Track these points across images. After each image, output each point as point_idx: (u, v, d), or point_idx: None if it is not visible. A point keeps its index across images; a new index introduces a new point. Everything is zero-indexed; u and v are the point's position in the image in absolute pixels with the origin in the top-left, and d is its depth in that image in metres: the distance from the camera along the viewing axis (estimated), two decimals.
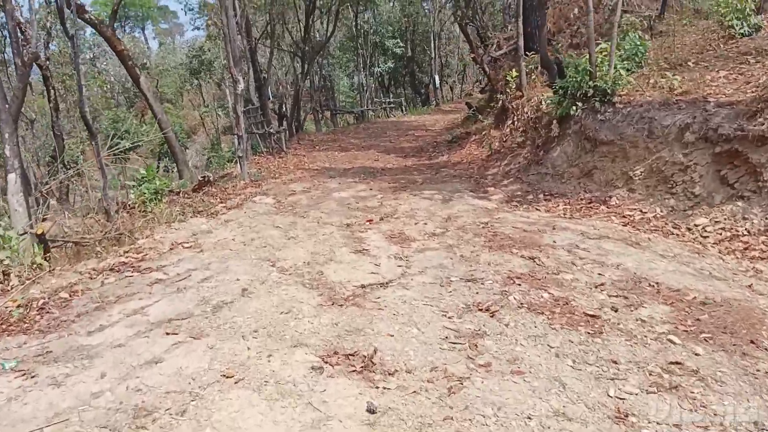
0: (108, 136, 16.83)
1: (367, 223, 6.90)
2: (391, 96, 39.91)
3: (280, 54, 31.72)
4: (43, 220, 7.45)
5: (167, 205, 8.17)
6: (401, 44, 35.65)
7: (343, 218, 7.15)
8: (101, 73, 46.67)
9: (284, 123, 21.16)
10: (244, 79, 11.28)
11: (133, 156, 33.30)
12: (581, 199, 7.52)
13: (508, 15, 28.74)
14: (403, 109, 29.92)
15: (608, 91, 7.92)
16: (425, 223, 6.76)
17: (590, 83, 8.06)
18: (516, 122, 11.02)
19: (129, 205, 8.48)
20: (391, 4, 34.92)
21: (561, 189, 7.95)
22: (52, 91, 15.89)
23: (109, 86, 46.98)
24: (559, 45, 15.82)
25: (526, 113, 10.79)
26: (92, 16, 13.29)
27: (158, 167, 27.50)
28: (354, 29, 30.53)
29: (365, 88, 30.08)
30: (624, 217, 6.78)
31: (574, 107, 8.14)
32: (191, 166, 37.00)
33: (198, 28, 41.83)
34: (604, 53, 8.80)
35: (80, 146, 21.25)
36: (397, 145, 15.28)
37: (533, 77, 11.76)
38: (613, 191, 7.40)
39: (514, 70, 11.51)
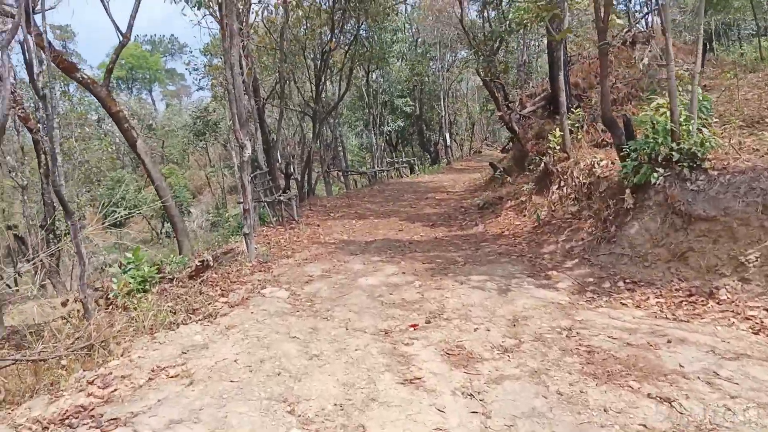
0: (102, 204, 15.51)
1: (411, 328, 5.29)
2: (401, 155, 39.01)
3: (287, 114, 30.98)
4: None
5: (156, 299, 6.61)
6: (411, 103, 35.02)
7: (377, 320, 5.56)
8: (107, 135, 46.25)
9: (291, 185, 19.90)
10: (251, 141, 9.95)
11: (135, 219, 32.12)
12: (676, 290, 5.93)
13: (523, 72, 28.02)
14: (416, 168, 28.77)
15: (697, 154, 6.47)
16: (487, 329, 5.15)
17: (673, 145, 6.63)
18: (564, 188, 9.56)
19: (110, 299, 6.93)
20: (399, 63, 34.48)
21: (646, 275, 6.36)
22: (42, 156, 14.69)
23: (114, 147, 46.47)
24: (594, 102, 14.62)
25: (577, 178, 9.35)
26: (84, 75, 12.18)
27: (161, 231, 26.08)
28: (363, 88, 29.83)
29: (375, 148, 29.06)
30: (747, 318, 5.17)
31: (654, 174, 6.67)
32: (196, 226, 35.87)
33: (201, 89, 41.46)
34: (663, 111, 7.47)
35: (80, 211, 19.94)
36: (420, 211, 13.82)
37: (579, 136, 10.40)
38: (719, 280, 5.81)
39: (557, 129, 10.16)
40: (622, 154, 7.44)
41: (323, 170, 19.81)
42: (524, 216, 10.18)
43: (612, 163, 9.14)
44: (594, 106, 14.32)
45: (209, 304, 6.26)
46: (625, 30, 18.82)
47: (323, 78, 16.33)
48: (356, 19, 15.97)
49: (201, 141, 22.89)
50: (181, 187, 42.60)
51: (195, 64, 22.82)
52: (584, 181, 9.16)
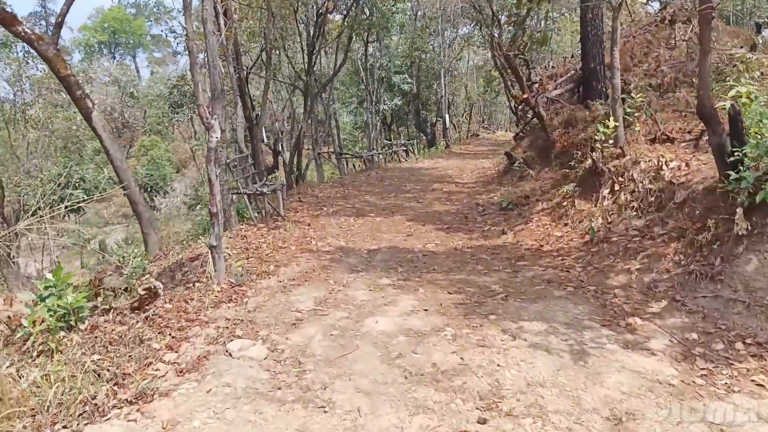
0: (58, 185, 13.31)
1: None
2: (396, 135, 36.84)
3: (276, 86, 28.58)
4: None
5: (78, 348, 4.56)
6: (409, 80, 32.75)
7: (402, 412, 3.58)
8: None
9: (279, 167, 17.71)
10: (221, 121, 7.84)
11: (102, 204, 29.57)
12: None
13: (536, 50, 25.83)
14: (414, 152, 26.66)
15: None
16: None
17: None
18: (622, 193, 7.58)
19: (18, 340, 4.86)
20: (398, 37, 32.10)
21: None
22: None
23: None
24: (632, 86, 12.60)
25: (640, 182, 7.37)
26: (27, 30, 9.89)
27: (151, 204, 23.69)
28: (360, 62, 27.49)
29: (371, 127, 26.86)
30: None
31: None
32: (180, 202, 33.50)
33: (180, 53, 38.96)
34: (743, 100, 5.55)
35: (40, 189, 17.63)
36: (428, 207, 11.79)
37: (636, 128, 8.39)
38: None
39: (611, 119, 8.13)
40: (730, 159, 5.45)
41: (315, 152, 17.64)
42: (566, 225, 8.20)
43: (686, 165, 7.18)
44: (637, 90, 12.36)
45: (148, 364, 4.22)
46: (660, 7, 16.74)
47: (317, 46, 14.08)
48: None
49: (177, 113, 20.52)
50: (164, 161, 40.12)
51: (173, 27, 20.41)
52: (650, 186, 7.19)
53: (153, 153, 42.52)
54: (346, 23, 15.26)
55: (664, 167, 7.32)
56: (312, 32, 14.29)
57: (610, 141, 8.25)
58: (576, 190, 8.58)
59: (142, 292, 5.32)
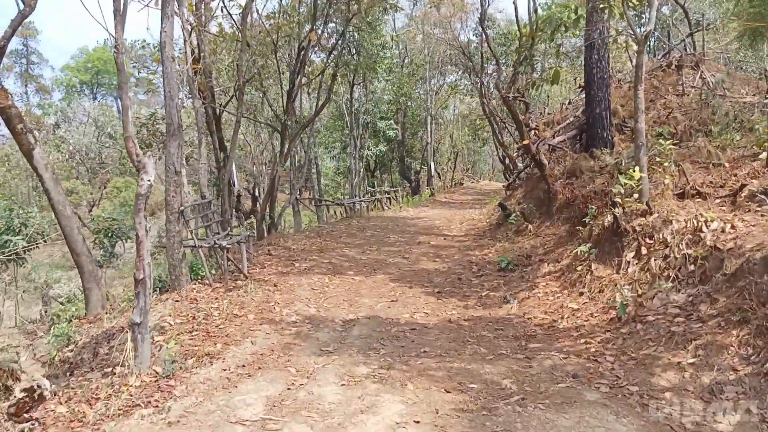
0: None
1: None
2: (380, 182, 35.78)
3: (256, 128, 27.42)
4: None
5: None
6: (394, 126, 31.92)
7: None
8: (64, 142, 41.82)
9: (254, 214, 16.26)
10: (156, 161, 6.49)
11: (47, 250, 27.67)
12: None
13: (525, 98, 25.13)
14: (398, 200, 25.45)
15: None
16: None
17: None
18: (653, 259, 6.27)
19: None
20: (384, 83, 31.46)
21: None
22: None
23: (68, 155, 42.06)
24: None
25: (676, 246, 6.07)
26: None
27: (110, 251, 21.95)
28: (345, 106, 26.56)
29: (353, 173, 25.68)
30: None
31: None
32: (153, 246, 31.61)
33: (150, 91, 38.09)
34: None
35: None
36: (415, 264, 10.38)
37: (666, 180, 7.16)
38: None
39: (635, 169, 6.90)
40: None
41: (292, 197, 16.25)
42: (581, 295, 6.82)
43: (731, 227, 5.92)
44: (650, 138, 11.31)
45: None
46: (663, 52, 16.01)
47: (297, 82, 12.89)
48: (344, 9, 12.61)
49: (146, 154, 19.17)
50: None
51: (155, 69, 19.28)
52: (688, 252, 5.89)
53: (126, 195, 40.91)
54: (330, 60, 14.13)
55: (704, 229, 6.05)
56: (294, 67, 13.11)
57: (634, 195, 6.99)
58: (592, 251, 7.24)
59: (21, 395, 3.77)
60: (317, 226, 16.31)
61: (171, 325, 6.44)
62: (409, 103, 35.20)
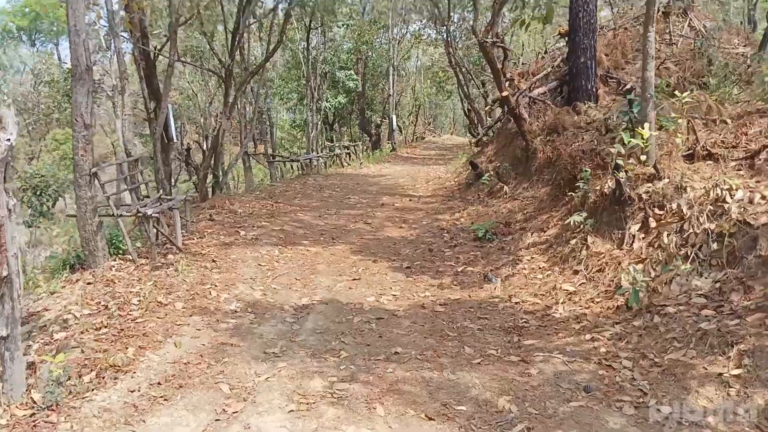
0: None
1: None
2: (339, 136, 34.19)
3: (204, 77, 25.27)
4: None
5: None
6: (354, 77, 30.15)
7: None
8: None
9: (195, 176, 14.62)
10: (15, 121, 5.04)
11: None
12: None
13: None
14: (359, 155, 24.08)
15: None
16: None
17: None
18: (665, 233, 5.26)
19: None
20: (344, 29, 29.45)
21: None
22: None
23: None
24: (629, 86, 10.52)
25: (697, 219, 5.07)
26: None
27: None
28: (301, 55, 24.64)
29: (311, 127, 24.05)
30: None
31: None
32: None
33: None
34: None
35: None
36: (379, 231, 9.21)
37: (677, 139, 6.10)
38: None
39: (643, 126, 5.79)
40: None
41: (241, 152, 14.68)
42: (576, 274, 5.80)
43: (761, 197, 4.93)
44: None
45: None
46: None
47: (243, 22, 11.15)
48: None
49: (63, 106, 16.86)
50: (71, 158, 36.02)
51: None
52: (708, 227, 4.90)
53: (66, 147, 38.26)
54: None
55: (728, 198, 5.05)
56: (238, 6, 11.33)
57: (639, 156, 5.92)
58: (587, 222, 6.19)
59: None
60: (269, 185, 14.87)
61: (76, 318, 5.11)
62: (370, 53, 33.34)
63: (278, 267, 6.89)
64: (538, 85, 11.83)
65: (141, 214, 6.67)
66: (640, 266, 5.27)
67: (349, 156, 23.65)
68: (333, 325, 5.09)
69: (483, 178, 10.96)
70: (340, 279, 6.50)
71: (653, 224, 5.55)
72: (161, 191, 8.94)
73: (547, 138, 9.94)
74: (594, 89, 10.48)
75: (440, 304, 5.63)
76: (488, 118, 22.01)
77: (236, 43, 11.18)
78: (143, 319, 5.01)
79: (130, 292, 5.72)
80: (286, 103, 32.38)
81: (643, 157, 5.95)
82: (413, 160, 25.82)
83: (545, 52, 13.95)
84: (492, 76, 11.94)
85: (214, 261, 6.85)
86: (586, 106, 10.16)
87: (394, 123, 32.46)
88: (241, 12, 11.09)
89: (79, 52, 6.02)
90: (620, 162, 6.07)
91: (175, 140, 12.00)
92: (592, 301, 5.23)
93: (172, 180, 11.76)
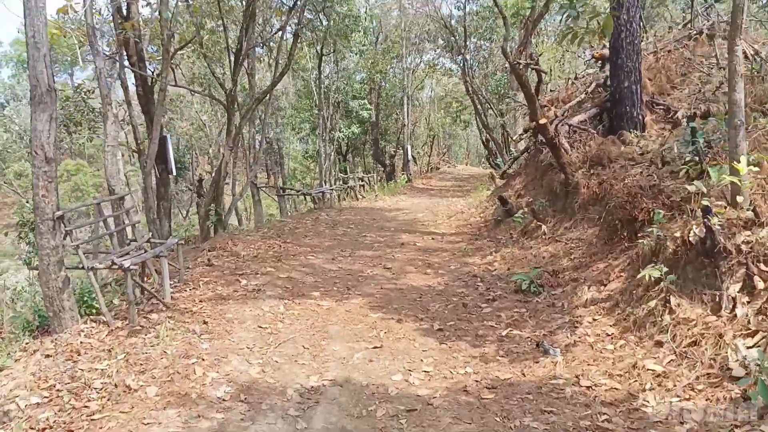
0: None
1: None
2: (352, 167, 33.28)
3: (214, 107, 24.55)
4: None
5: None
6: (368, 106, 29.32)
7: None
8: (12, 122, 38.30)
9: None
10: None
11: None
12: None
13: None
14: (374, 186, 23.02)
15: None
16: None
17: None
18: None
19: None
20: (357, 58, 28.77)
21: None
22: None
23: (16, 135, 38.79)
24: (679, 114, 9.35)
25: None
26: None
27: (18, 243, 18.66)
28: (313, 83, 23.86)
29: (323, 158, 23.10)
30: None
31: None
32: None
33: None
34: None
35: None
36: (401, 278, 7.98)
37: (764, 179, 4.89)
38: None
39: (733, 159, 4.59)
40: None
41: (247, 183, 13.63)
42: (659, 346, 4.52)
43: None
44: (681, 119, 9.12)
45: None
46: (686, 21, 13.77)
47: (246, 41, 10.16)
48: None
49: (73, 133, 16.04)
50: (90, 187, 35.71)
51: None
52: None
53: (77, 179, 37.83)
54: (291, 15, 11.27)
55: None
56: (243, 19, 10.31)
57: (738, 198, 4.70)
58: (668, 278, 4.94)
59: None
60: (279, 221, 13.76)
61: (20, 409, 3.96)
62: (383, 83, 32.64)
63: (282, 330, 5.68)
64: (572, 113, 10.72)
65: (117, 267, 5.52)
66: (750, 341, 4.01)
67: (363, 188, 22.60)
68: (350, 422, 3.86)
69: (516, 215, 9.75)
70: (358, 347, 5.27)
71: (760, 285, 4.30)
72: (152, 234, 7.83)
73: (590, 171, 8.76)
74: (640, 116, 9.34)
75: (488, 388, 4.37)
76: (513, 149, 20.93)
77: (239, 66, 10.19)
78: (101, 415, 3.82)
79: (95, 369, 4.55)
80: (299, 133, 31.63)
81: (739, 198, 4.74)
82: (430, 192, 24.73)
83: (575, 78, 12.86)
84: (525, 102, 10.87)
85: (205, 323, 5.66)
86: (633, 135, 9.03)
87: (410, 153, 31.48)
88: (243, 32, 10.12)
89: (38, 69, 4.98)
90: (707, 203, 4.85)
91: (174, 173, 10.98)
92: (692, 389, 3.95)
93: (185, 212, 10.67)
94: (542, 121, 8.18)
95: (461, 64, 25.65)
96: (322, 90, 22.37)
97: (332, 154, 26.16)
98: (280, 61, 12.19)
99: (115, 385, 4.28)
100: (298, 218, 14.34)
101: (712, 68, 10.34)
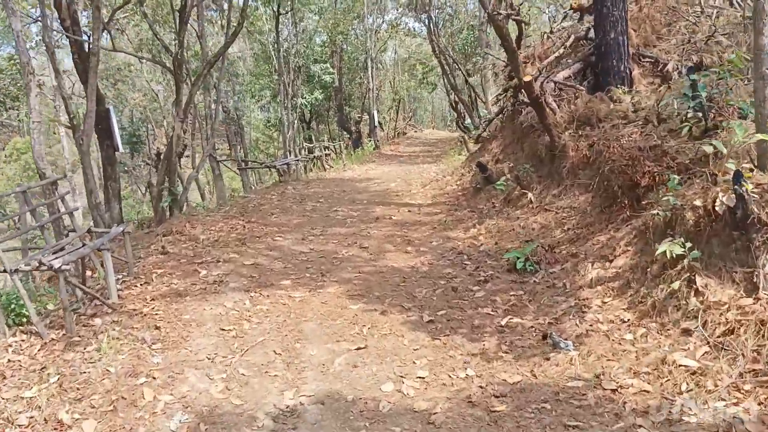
0: None
1: None
2: (317, 134, 32.17)
3: (165, 76, 22.99)
4: None
5: None
6: (331, 70, 28.07)
7: None
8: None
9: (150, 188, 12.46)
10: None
11: None
12: None
13: (483, 32, 21.95)
14: (341, 154, 22.08)
15: None
16: None
17: None
18: None
19: None
20: (317, 17, 27.32)
21: None
22: None
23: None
24: (669, 66, 8.74)
25: None
26: None
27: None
28: (271, 47, 22.52)
29: (286, 126, 21.96)
30: None
31: None
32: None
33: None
34: None
35: None
36: (379, 257, 7.25)
37: None
38: None
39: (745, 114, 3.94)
40: None
41: (201, 160, 12.60)
42: (688, 334, 3.93)
43: None
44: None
45: None
46: None
47: (187, 12, 8.93)
48: None
49: (10, 110, 14.41)
50: (68, 160, 33.89)
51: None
52: None
53: (28, 158, 35.73)
54: None
55: None
56: None
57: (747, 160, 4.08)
58: (692, 254, 4.32)
59: None
60: (242, 197, 12.81)
61: None
62: (345, 46, 31.29)
63: (249, 331, 4.90)
64: (551, 69, 9.98)
65: (46, 268, 4.62)
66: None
67: (330, 157, 21.63)
68: None
69: (498, 183, 9.07)
70: (339, 348, 4.55)
71: None
72: (94, 221, 6.88)
73: (578, 132, 8.11)
74: (628, 70, 8.69)
75: (496, 396, 3.72)
76: (485, 111, 20.20)
77: (185, 25, 9.00)
78: None
79: (21, 398, 3.71)
80: (259, 101, 30.20)
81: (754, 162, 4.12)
82: (399, 159, 23.92)
83: (551, 32, 12.08)
84: (498, 59, 10.08)
85: (157, 327, 4.84)
86: (621, 90, 8.38)
87: (376, 119, 30.44)
88: None
89: None
90: (733, 166, 4.23)
91: (120, 149, 9.88)
92: (738, 390, 3.36)
93: (143, 188, 9.56)
94: (527, 78, 7.42)
95: (426, 23, 24.55)
96: (282, 54, 21.07)
97: (295, 122, 24.99)
98: (233, 20, 10.98)
99: (45, 420, 3.47)
100: (262, 193, 13.40)
101: (699, 17, 9.73)
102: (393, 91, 42.42)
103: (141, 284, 6.06)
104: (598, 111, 7.91)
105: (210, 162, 16.76)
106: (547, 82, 8.44)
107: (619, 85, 8.50)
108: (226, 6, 12.25)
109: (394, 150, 29.36)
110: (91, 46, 6.87)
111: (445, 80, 26.04)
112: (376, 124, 30.73)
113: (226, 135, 30.68)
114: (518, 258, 5.97)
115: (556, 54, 10.51)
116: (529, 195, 8.22)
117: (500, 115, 13.24)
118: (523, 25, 9.08)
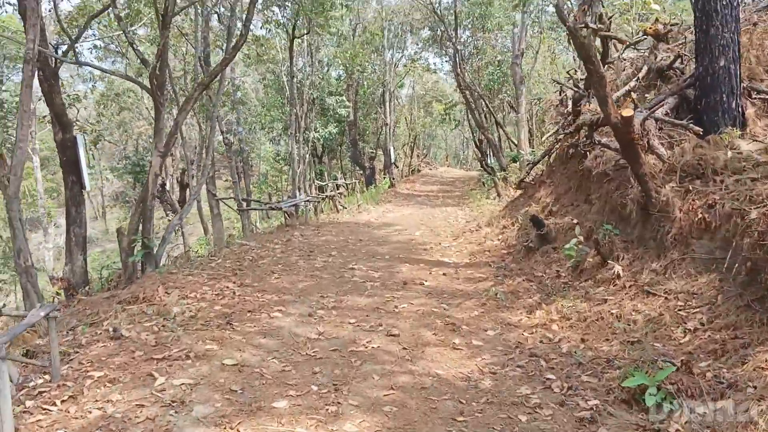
0: None
1: None
2: (329, 170, 30.41)
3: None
4: None
5: None
6: (346, 103, 26.46)
7: None
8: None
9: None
10: None
11: None
12: None
13: (518, 65, 20.33)
14: (356, 192, 20.17)
15: None
16: None
17: None
18: None
19: None
20: (334, 49, 25.88)
21: None
22: None
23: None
24: None
25: None
26: None
27: None
28: (285, 78, 20.91)
29: (297, 161, 20.16)
30: None
31: None
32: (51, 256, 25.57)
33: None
34: None
35: None
36: (418, 356, 5.13)
37: None
38: None
39: None
40: None
41: (195, 191, 10.64)
42: None
43: None
44: None
45: None
46: None
47: (171, 17, 7.02)
48: None
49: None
50: (41, 193, 32.35)
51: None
52: None
53: (28, 184, 34.30)
54: None
55: None
56: None
57: None
58: None
59: None
60: (239, 244, 10.79)
61: None
62: (362, 81, 29.82)
63: None
64: (664, 98, 7.97)
65: None
66: None
67: (342, 195, 19.72)
68: None
69: (567, 247, 6.98)
70: None
71: None
72: (23, 291, 4.84)
73: (683, 186, 6.09)
74: (741, 108, 6.70)
75: None
76: (521, 151, 18.30)
77: (166, 30, 7.01)
78: None
79: None
80: (269, 133, 28.61)
81: None
82: (417, 199, 22.02)
83: (619, 59, 10.17)
84: (581, 88, 8.13)
85: None
86: (734, 133, 6.39)
87: (392, 155, 28.70)
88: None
89: None
90: None
91: (87, 187, 7.94)
92: None
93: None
94: (626, 113, 5.44)
95: (452, 56, 22.93)
96: (295, 84, 19.41)
97: (307, 156, 23.22)
98: (234, 29, 9.08)
99: None
100: (264, 239, 11.40)
101: None
102: (409, 127, 40.90)
103: (63, 400, 3.99)
104: (714, 159, 5.89)
105: (209, 200, 14.87)
106: (647, 119, 6.44)
107: (730, 126, 6.53)
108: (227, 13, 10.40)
109: (410, 188, 27.54)
110: (26, 55, 4.94)
111: (470, 117, 24.27)
112: (393, 160, 28.97)
113: (236, 168, 28.92)
114: (647, 386, 3.83)
115: (626, 88, 8.57)
116: (616, 267, 6.13)
117: (546, 157, 11.29)
118: (613, 43, 7.13)
